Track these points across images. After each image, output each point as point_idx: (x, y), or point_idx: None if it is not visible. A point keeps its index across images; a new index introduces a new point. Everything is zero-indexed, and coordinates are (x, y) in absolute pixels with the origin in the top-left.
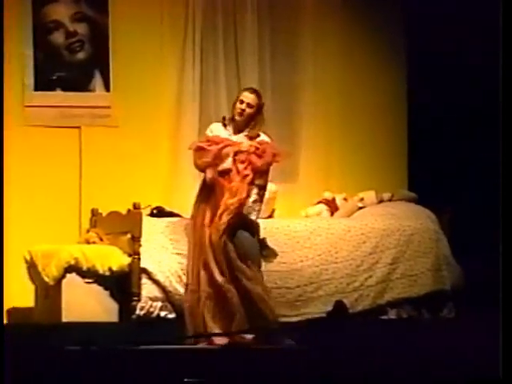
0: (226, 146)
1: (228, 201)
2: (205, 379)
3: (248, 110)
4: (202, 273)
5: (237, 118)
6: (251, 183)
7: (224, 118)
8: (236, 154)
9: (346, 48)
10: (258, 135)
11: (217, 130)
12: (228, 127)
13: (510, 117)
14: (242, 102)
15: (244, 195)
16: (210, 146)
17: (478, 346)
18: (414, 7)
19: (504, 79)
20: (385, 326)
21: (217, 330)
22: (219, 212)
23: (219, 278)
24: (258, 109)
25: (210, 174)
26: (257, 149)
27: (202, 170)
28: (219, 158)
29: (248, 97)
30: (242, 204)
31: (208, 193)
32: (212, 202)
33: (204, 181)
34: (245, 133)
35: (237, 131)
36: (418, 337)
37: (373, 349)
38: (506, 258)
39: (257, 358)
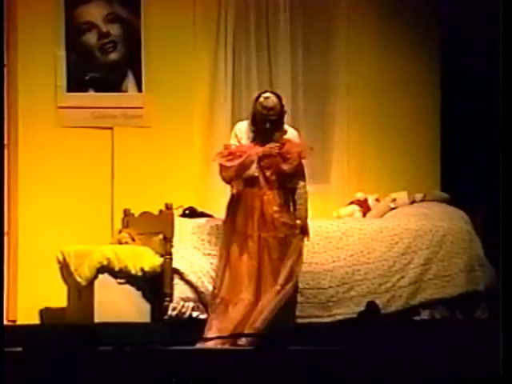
0: (248, 156)
1: (269, 211)
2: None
3: (273, 125)
4: (227, 280)
5: (263, 133)
6: (280, 187)
7: (254, 133)
8: (261, 159)
9: (380, 49)
10: (285, 132)
11: (243, 131)
12: (260, 137)
13: None
14: (264, 121)
15: (276, 208)
16: (231, 160)
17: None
18: (450, 8)
19: (504, 79)
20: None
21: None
22: (268, 225)
23: (246, 294)
24: (280, 115)
25: (235, 189)
26: (280, 148)
27: (228, 182)
28: (243, 169)
29: (270, 116)
30: (280, 213)
31: (239, 201)
32: (244, 210)
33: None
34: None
35: (269, 138)
36: (450, 337)
37: (400, 349)
38: (507, 258)
39: (268, 359)
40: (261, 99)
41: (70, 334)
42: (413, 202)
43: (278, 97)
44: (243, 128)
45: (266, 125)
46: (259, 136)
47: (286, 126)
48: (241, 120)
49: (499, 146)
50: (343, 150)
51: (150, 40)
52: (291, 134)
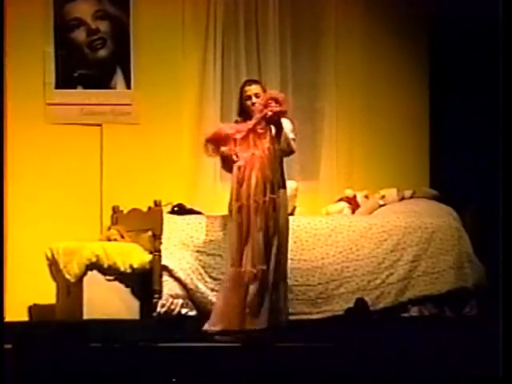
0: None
1: None
2: (225, 375)
3: (259, 100)
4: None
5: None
6: None
7: (237, 122)
8: None
9: (369, 46)
10: None
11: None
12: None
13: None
14: (249, 97)
15: None
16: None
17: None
18: (438, 6)
19: (502, 78)
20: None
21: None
22: None
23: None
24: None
25: None
26: None
27: None
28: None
29: (252, 89)
30: None
31: None
32: None
33: None
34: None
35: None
36: (441, 335)
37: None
38: (507, 258)
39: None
40: (246, 87)
41: (58, 330)
42: (402, 198)
43: (258, 81)
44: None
45: (253, 99)
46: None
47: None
48: (230, 118)
49: (497, 144)
50: (332, 146)
51: (138, 37)
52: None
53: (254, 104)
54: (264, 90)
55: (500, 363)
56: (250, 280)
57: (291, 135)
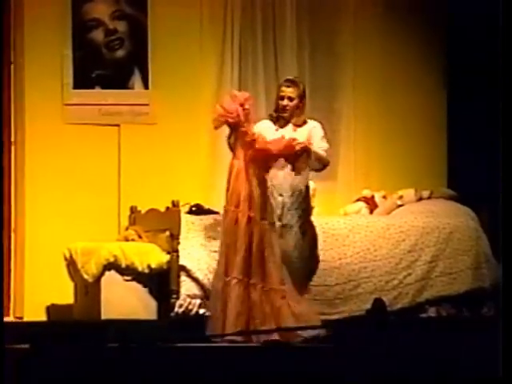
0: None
1: None
2: (242, 377)
3: (291, 104)
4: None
5: (282, 114)
6: None
7: (271, 116)
8: None
9: (387, 47)
10: (305, 122)
11: (261, 125)
12: (277, 123)
13: None
14: (282, 98)
15: None
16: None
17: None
18: (456, 6)
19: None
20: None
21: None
22: None
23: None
24: (300, 98)
25: None
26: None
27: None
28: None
29: (287, 91)
30: None
31: None
32: None
33: None
34: (291, 123)
35: (285, 123)
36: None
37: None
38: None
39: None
40: (282, 87)
41: (76, 330)
42: (419, 199)
43: (297, 83)
44: (263, 124)
45: (284, 101)
46: (278, 123)
47: (307, 120)
48: None
49: (502, 144)
50: (350, 147)
51: (156, 37)
52: (312, 124)
53: (284, 107)
54: (300, 94)
55: (500, 363)
56: (231, 288)
57: (324, 144)
